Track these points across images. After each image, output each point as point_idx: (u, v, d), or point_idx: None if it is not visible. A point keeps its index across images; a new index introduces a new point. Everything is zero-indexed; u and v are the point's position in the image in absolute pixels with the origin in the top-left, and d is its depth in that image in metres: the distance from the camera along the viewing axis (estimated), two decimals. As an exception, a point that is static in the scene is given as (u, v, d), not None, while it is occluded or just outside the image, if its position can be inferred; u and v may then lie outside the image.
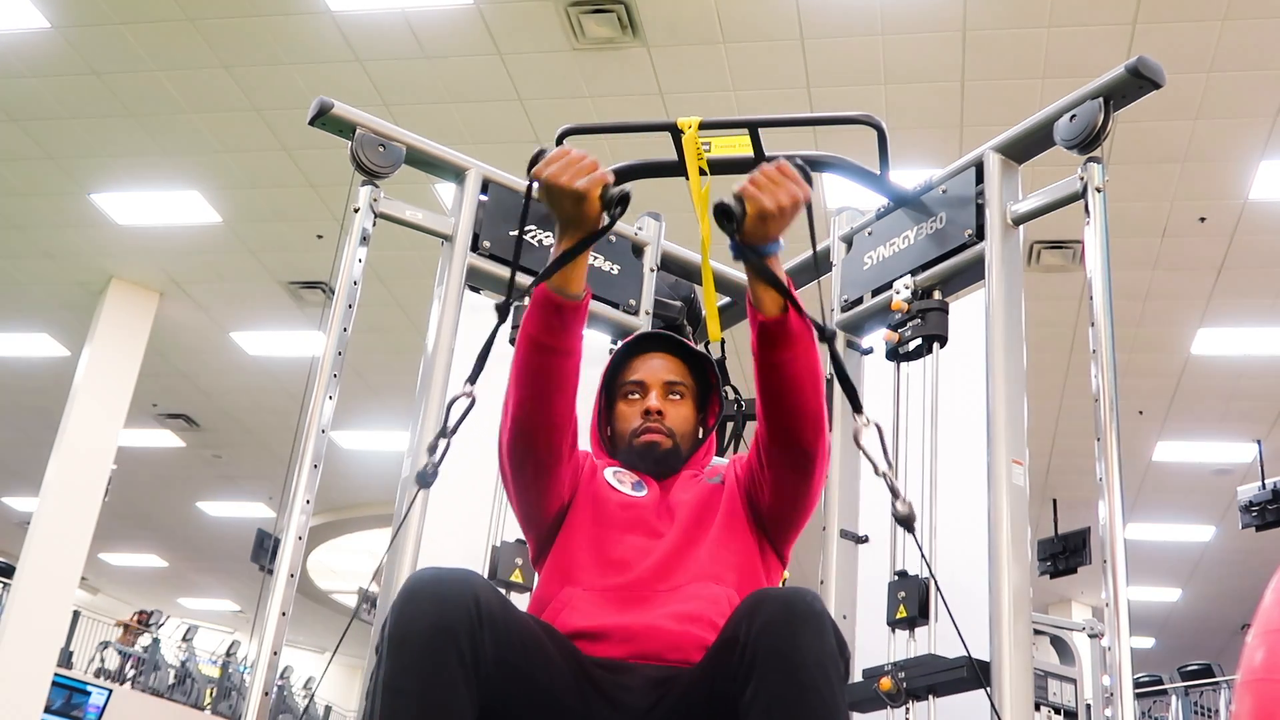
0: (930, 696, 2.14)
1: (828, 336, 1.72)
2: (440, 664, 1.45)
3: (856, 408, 1.67)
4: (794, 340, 1.73)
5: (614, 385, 2.03)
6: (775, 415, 1.79)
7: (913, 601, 2.24)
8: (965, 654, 1.97)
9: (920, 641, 2.23)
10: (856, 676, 2.24)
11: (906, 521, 1.66)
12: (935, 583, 2.17)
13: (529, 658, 1.57)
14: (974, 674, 2.01)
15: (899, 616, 2.25)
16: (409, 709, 1.44)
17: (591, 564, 1.82)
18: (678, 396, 1.99)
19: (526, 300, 1.76)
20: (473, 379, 1.68)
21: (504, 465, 1.88)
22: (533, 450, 1.83)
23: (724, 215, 1.64)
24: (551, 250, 1.75)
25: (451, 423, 1.65)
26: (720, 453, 2.83)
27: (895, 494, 1.64)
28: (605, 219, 1.69)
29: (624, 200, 1.67)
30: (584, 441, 2.15)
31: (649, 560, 1.81)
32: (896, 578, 2.32)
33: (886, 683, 2.17)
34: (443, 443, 1.64)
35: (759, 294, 1.71)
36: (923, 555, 1.99)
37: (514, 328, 2.65)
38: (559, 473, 1.87)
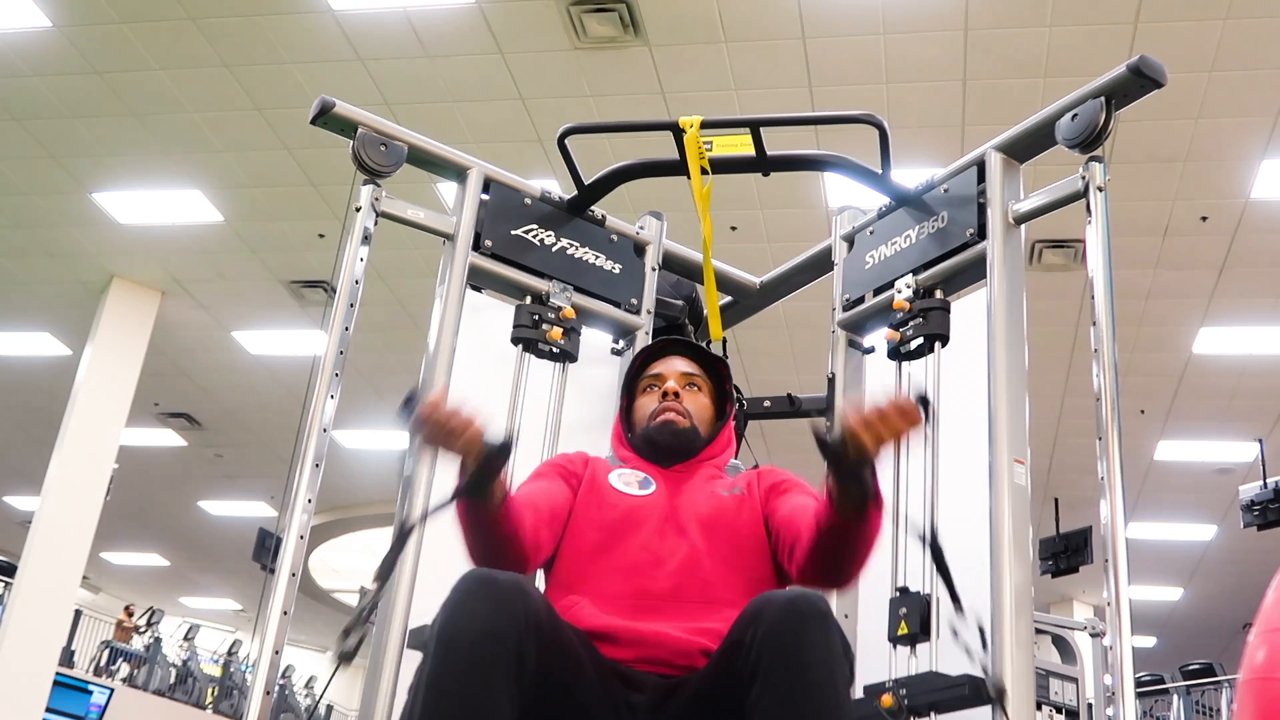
0: (932, 714, 2.11)
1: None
2: (486, 669, 1.45)
3: None
4: (869, 531, 1.69)
5: (633, 387, 2.08)
6: (824, 565, 1.77)
7: (914, 618, 2.20)
8: (967, 672, 1.96)
9: (921, 658, 2.20)
10: (858, 688, 2.23)
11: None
12: (960, 597, 2.14)
13: (568, 670, 1.57)
14: (976, 692, 2.00)
15: (900, 633, 2.22)
16: (451, 710, 1.44)
17: (598, 574, 1.81)
18: (695, 388, 2.05)
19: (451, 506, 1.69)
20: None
21: None
22: (514, 562, 1.75)
23: (826, 447, 1.57)
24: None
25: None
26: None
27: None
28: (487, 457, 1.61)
29: (503, 452, 1.59)
30: (604, 446, 2.15)
31: (659, 570, 1.80)
32: (898, 594, 2.28)
33: (888, 699, 2.14)
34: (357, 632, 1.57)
35: (842, 499, 1.64)
36: (939, 572, 1.85)
37: (515, 327, 2.65)
38: (553, 534, 1.88)
